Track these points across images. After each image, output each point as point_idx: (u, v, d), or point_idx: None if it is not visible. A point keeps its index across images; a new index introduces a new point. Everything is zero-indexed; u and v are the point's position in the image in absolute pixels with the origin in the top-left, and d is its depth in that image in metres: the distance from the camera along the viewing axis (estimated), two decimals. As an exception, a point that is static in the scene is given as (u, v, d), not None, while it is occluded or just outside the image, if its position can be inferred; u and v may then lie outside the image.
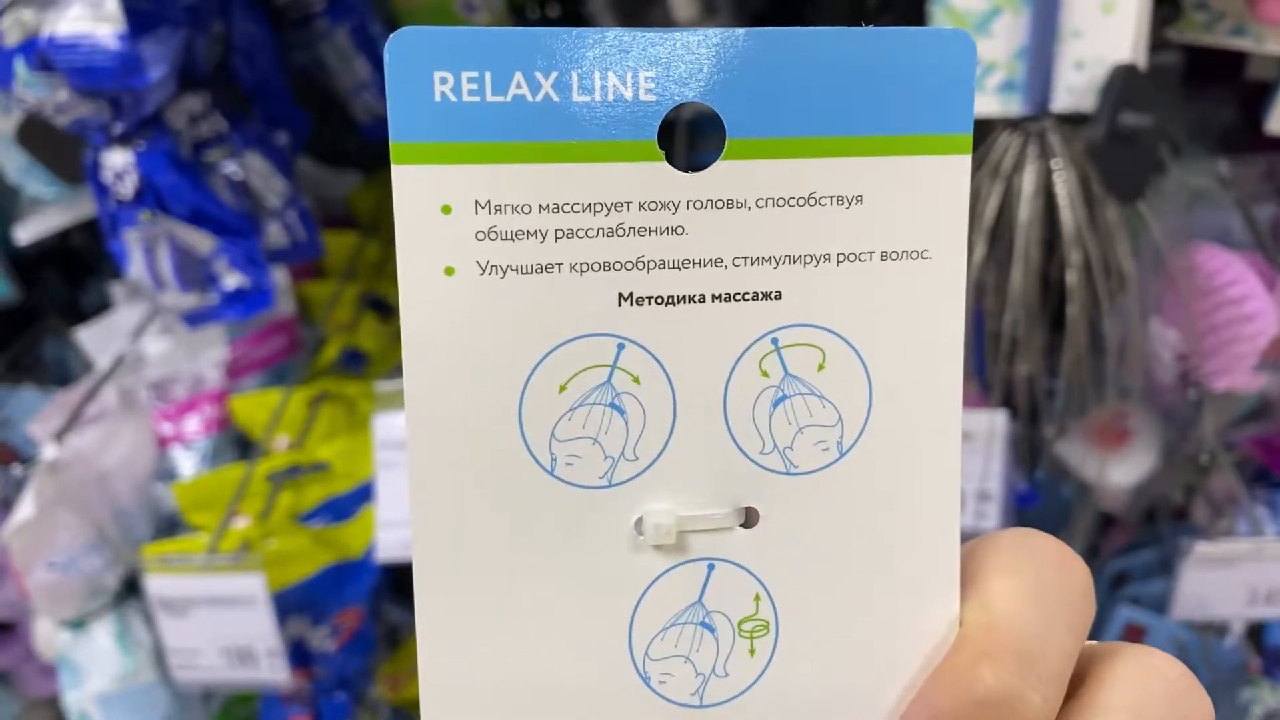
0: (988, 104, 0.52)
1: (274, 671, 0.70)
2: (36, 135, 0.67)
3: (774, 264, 0.18)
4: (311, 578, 0.76)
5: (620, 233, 0.18)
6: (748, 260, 0.18)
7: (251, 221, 0.68)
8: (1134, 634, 0.84)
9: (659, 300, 0.18)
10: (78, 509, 0.76)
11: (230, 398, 0.85)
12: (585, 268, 0.18)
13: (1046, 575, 0.19)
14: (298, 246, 0.73)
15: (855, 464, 0.19)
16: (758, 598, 0.19)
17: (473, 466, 0.18)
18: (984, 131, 0.53)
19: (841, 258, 0.19)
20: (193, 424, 0.85)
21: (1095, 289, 0.60)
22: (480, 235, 0.18)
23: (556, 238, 0.18)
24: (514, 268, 0.18)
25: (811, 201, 0.18)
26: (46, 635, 0.84)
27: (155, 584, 0.70)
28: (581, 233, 0.18)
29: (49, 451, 0.75)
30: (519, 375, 0.18)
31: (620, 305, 0.18)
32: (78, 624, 0.81)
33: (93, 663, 0.79)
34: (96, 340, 0.88)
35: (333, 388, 0.85)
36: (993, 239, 0.59)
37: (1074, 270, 0.58)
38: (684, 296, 0.18)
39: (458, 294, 0.18)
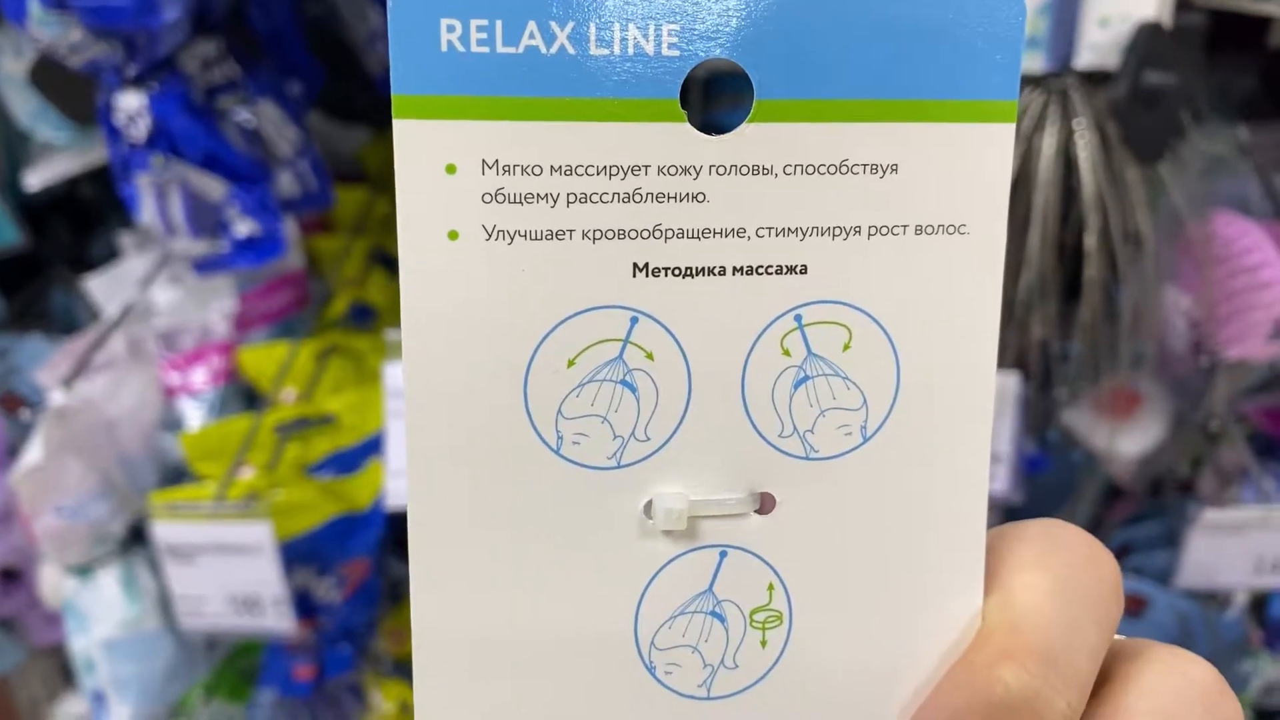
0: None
1: (279, 620, 0.71)
2: (49, 76, 0.67)
3: (800, 236, 0.17)
4: (318, 529, 0.76)
5: (637, 199, 0.17)
6: (772, 231, 0.17)
7: (263, 169, 0.68)
8: (1136, 605, 0.85)
9: (676, 272, 0.17)
10: (85, 455, 0.76)
11: (238, 349, 0.85)
12: (599, 235, 0.17)
13: (1074, 570, 0.18)
14: (309, 196, 0.72)
15: (879, 450, 0.18)
16: (771, 587, 0.18)
17: (473, 441, 0.17)
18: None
19: (873, 230, 0.18)
20: (200, 375, 0.85)
21: (1113, 253, 0.59)
22: (487, 197, 0.16)
23: (569, 202, 0.17)
24: (522, 233, 0.17)
25: (843, 169, 0.17)
26: (52, 582, 0.84)
27: (162, 530, 0.70)
28: (595, 197, 0.17)
29: (56, 397, 0.75)
30: (525, 348, 0.17)
31: (635, 276, 0.17)
32: (84, 571, 0.81)
33: (98, 609, 0.79)
34: (104, 289, 0.88)
35: (341, 341, 0.85)
36: (1011, 200, 0.58)
37: (1092, 233, 0.57)
38: (703, 268, 0.17)
39: (461, 259, 0.17)
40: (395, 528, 0.86)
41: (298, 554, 0.75)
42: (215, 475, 0.76)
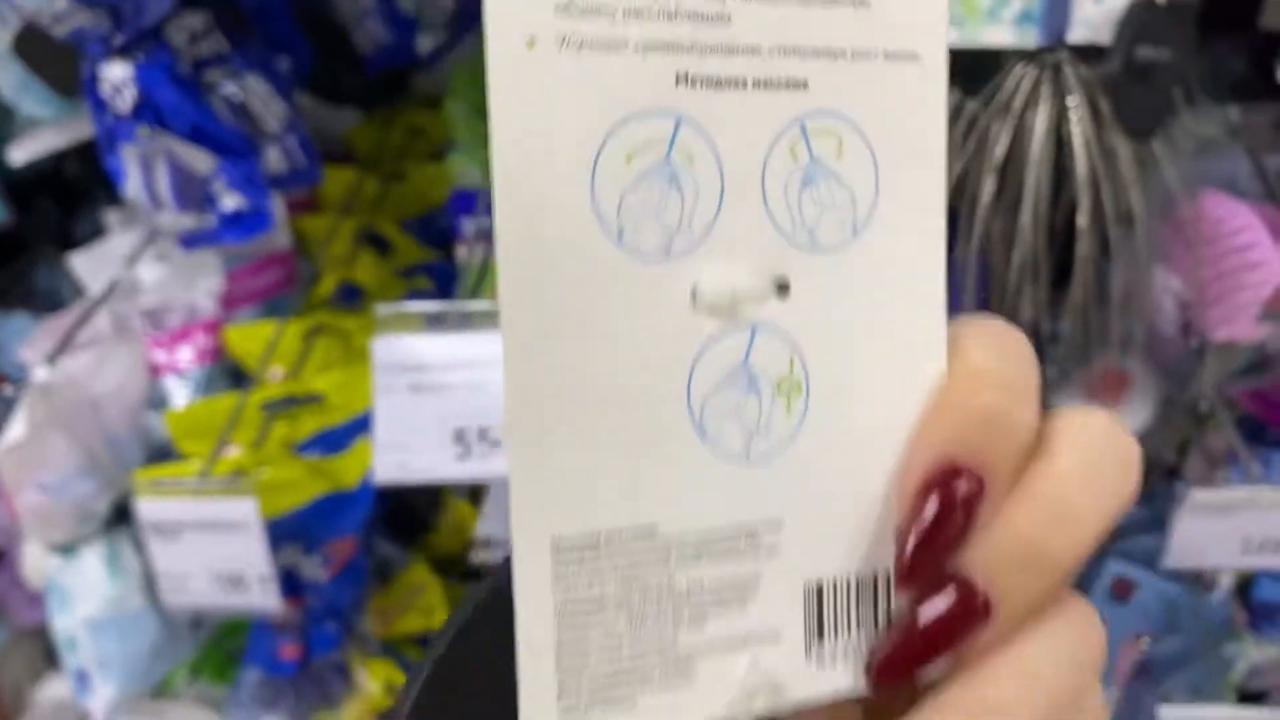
0: (1004, 35, 0.51)
1: (265, 597, 0.70)
2: (33, 46, 0.66)
3: (802, 56, 0.21)
4: (304, 507, 0.76)
5: (677, 16, 0.20)
6: (781, 50, 0.20)
7: (251, 144, 0.67)
8: (1123, 587, 0.85)
9: (710, 83, 0.20)
10: (69, 431, 0.75)
11: (225, 328, 0.84)
12: (648, 47, 0.19)
13: (1005, 343, 0.22)
14: (297, 173, 0.72)
15: (866, 243, 0.22)
16: (792, 361, 0.22)
17: (550, 237, 0.19)
18: (999, 64, 0.52)
19: (855, 54, 0.21)
20: (186, 353, 0.85)
21: (1105, 232, 0.59)
22: (559, 9, 0.19)
23: (624, 16, 0.19)
24: (587, 43, 0.19)
25: (830, 2, 0.21)
26: (35, 560, 0.83)
27: (146, 507, 0.70)
28: (645, 13, 0.19)
29: (40, 373, 0.75)
30: (592, 147, 0.19)
31: (677, 86, 0.20)
32: (67, 549, 0.80)
33: (81, 588, 0.79)
34: (89, 266, 0.87)
35: (329, 321, 0.84)
36: (1002, 179, 0.58)
37: (1084, 212, 0.57)
38: (730, 80, 0.20)
39: (538, 66, 0.19)
40: (383, 507, 0.86)
41: (284, 532, 0.75)
42: (201, 454, 0.76)
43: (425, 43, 0.91)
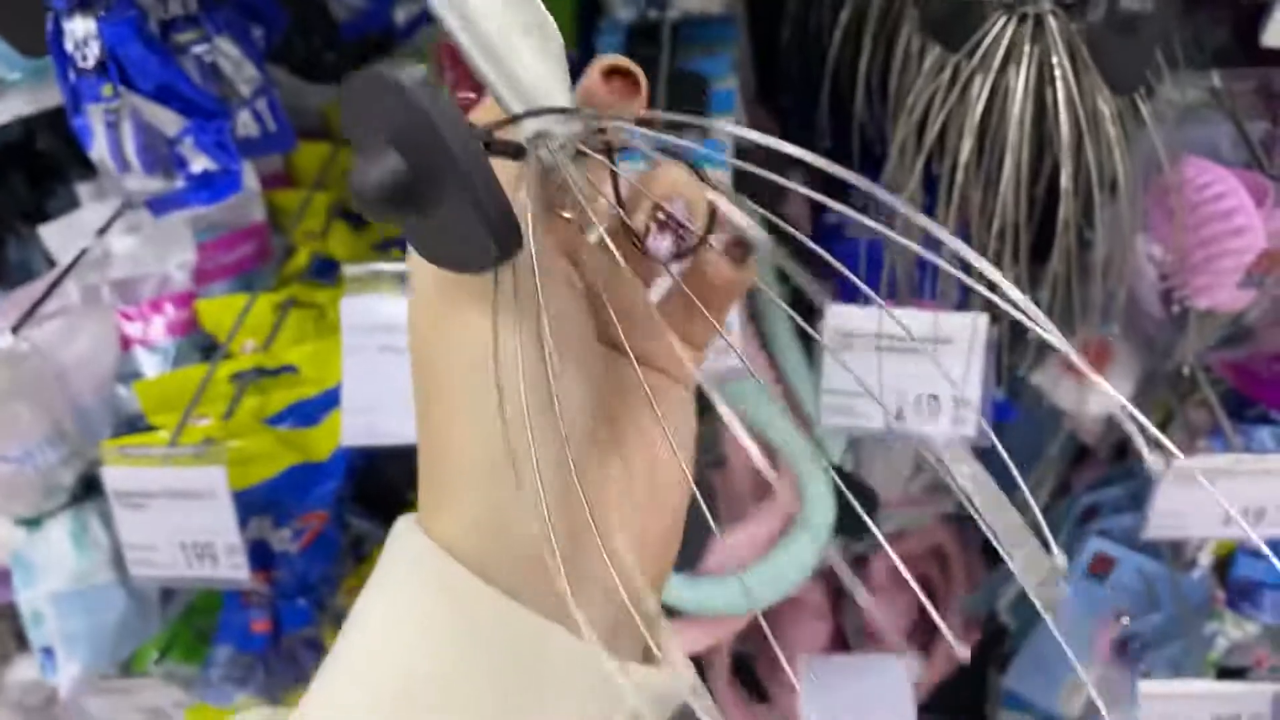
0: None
1: (233, 570, 0.69)
2: (-3, 2, 0.65)
3: None
4: (275, 478, 0.74)
5: None
6: None
7: (221, 106, 0.66)
8: (1103, 564, 0.84)
9: None
10: (34, 401, 0.74)
11: (197, 300, 0.83)
12: None
13: None
14: (269, 137, 0.70)
15: None
16: None
17: None
18: (979, 15, 0.52)
19: None
20: (158, 325, 0.83)
21: (1088, 197, 0.59)
22: None
23: None
24: None
25: None
26: (1, 534, 0.82)
27: (113, 475, 0.68)
28: None
29: (4, 341, 0.73)
30: None
31: None
32: (33, 522, 0.79)
33: (48, 561, 0.77)
34: (59, 238, 0.86)
35: (302, 294, 0.83)
36: (981, 140, 0.58)
37: (1067, 176, 0.56)
38: None
39: None
40: (357, 481, 0.84)
41: (253, 504, 0.74)
42: (171, 426, 0.74)
43: (401, 14, 0.90)
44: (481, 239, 0.27)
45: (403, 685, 0.29)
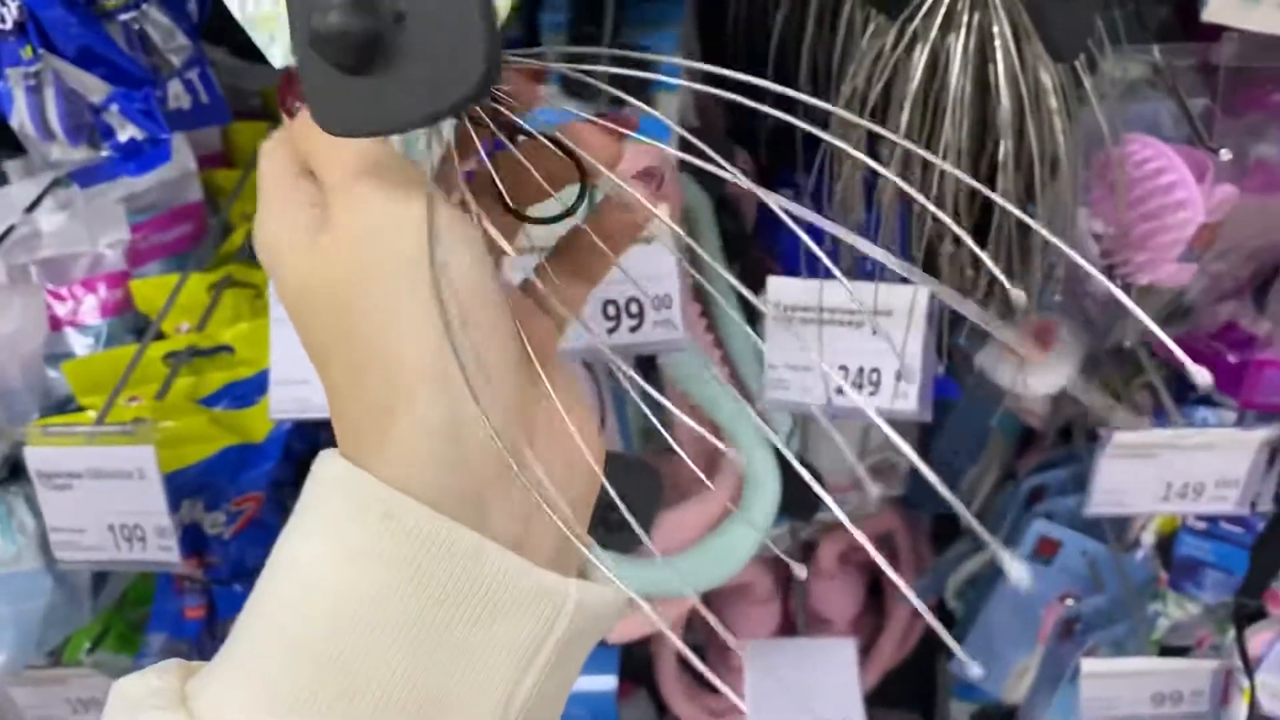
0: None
1: (163, 552, 0.67)
2: (-88, -38, 0.62)
3: None
4: (208, 459, 0.72)
5: None
6: None
7: (150, 74, 0.64)
8: (1047, 547, 0.85)
9: None
10: (-44, 380, 0.72)
11: (131, 280, 0.81)
12: None
13: None
14: (201, 109, 0.69)
15: None
16: None
17: None
18: (918, -19, 0.51)
19: None
20: (89, 305, 0.81)
21: (1029, 173, 0.58)
22: None
23: None
24: None
25: None
26: (-77, 520, 0.79)
27: (36, 455, 0.66)
28: None
29: (-75, 318, 0.71)
30: None
31: None
32: (-44, 507, 0.76)
33: (-29, 547, 0.75)
34: (-14, 216, 0.83)
35: (238, 273, 0.81)
36: (921, 112, 0.57)
37: (1007, 151, 0.56)
38: None
39: None
40: (296, 463, 0.83)
41: (185, 486, 0.72)
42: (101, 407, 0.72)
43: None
44: (471, 56, 0.26)
45: (339, 606, 0.28)
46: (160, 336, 0.76)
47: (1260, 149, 0.65)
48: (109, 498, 0.66)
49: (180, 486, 0.71)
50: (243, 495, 0.75)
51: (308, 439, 0.79)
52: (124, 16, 0.63)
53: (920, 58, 0.53)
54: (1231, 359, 0.69)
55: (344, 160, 0.30)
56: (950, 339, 0.70)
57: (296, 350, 0.62)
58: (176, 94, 0.68)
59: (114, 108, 0.62)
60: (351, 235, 0.30)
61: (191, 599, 0.77)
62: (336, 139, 0.29)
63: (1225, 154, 0.58)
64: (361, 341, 0.30)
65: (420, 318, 0.29)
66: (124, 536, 0.67)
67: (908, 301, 0.58)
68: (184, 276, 0.77)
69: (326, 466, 0.30)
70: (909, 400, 0.59)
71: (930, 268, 0.64)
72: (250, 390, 0.76)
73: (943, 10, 0.51)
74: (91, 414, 0.71)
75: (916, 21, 0.51)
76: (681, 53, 0.77)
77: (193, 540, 0.73)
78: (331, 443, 0.32)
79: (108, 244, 0.81)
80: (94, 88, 0.61)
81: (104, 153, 0.64)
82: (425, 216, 0.29)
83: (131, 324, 0.82)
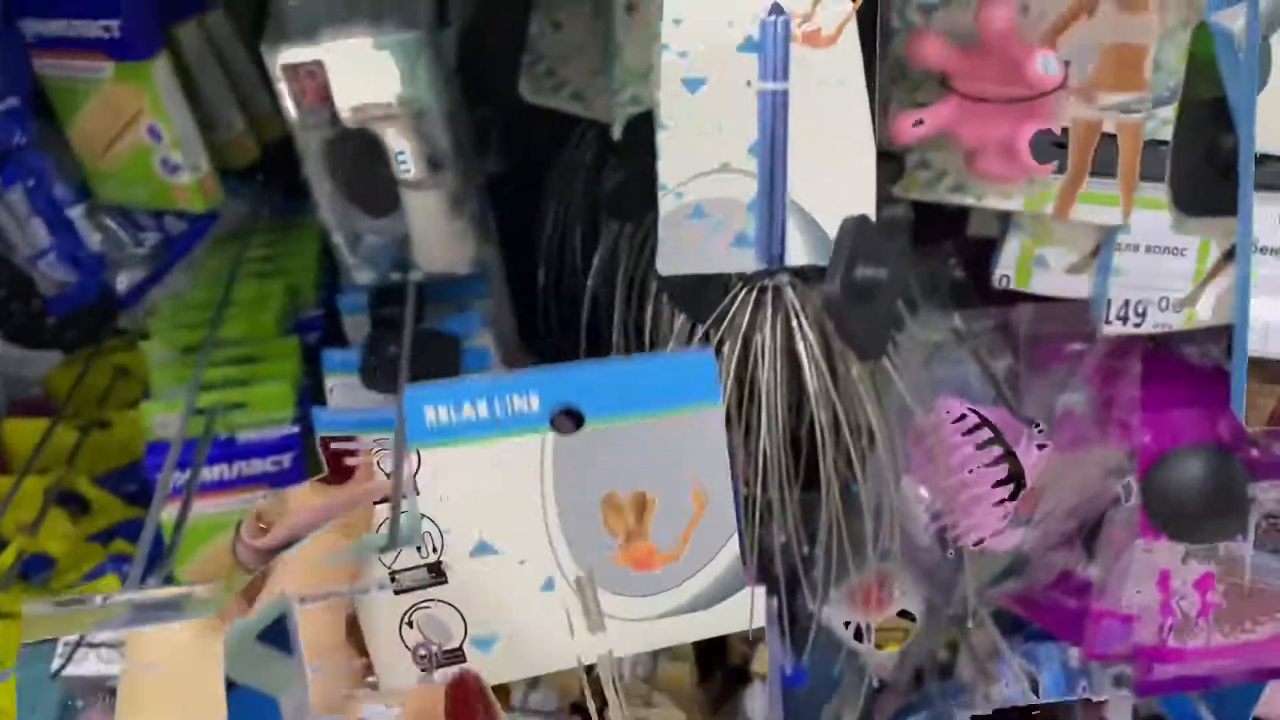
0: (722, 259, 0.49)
1: None
2: None
3: None
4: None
5: None
6: None
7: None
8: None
9: None
10: None
11: None
12: None
13: None
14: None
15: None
16: None
17: None
18: (720, 287, 0.50)
19: None
20: None
21: (847, 448, 0.58)
22: None
23: None
24: None
25: None
26: None
27: None
28: None
29: None
30: None
31: None
32: None
33: None
34: None
35: (3, 604, 0.72)
36: (739, 391, 0.56)
37: (824, 430, 0.55)
38: None
39: None
40: None
41: None
42: None
43: (124, 280, 0.83)
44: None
45: None
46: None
47: (1065, 399, 0.66)
48: None
49: None
50: None
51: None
52: None
53: (733, 353, 0.52)
54: (1071, 604, 0.69)
55: None
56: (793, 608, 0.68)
57: None
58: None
59: None
60: None
61: None
62: None
63: (1041, 429, 0.59)
64: None
65: None
66: None
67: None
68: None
69: None
70: (756, 699, 0.55)
71: (764, 554, 0.62)
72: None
73: (747, 314, 0.50)
74: None
75: (724, 326, 0.51)
76: (489, 330, 0.75)
77: None
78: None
79: None
80: None
81: None
82: None
83: None
